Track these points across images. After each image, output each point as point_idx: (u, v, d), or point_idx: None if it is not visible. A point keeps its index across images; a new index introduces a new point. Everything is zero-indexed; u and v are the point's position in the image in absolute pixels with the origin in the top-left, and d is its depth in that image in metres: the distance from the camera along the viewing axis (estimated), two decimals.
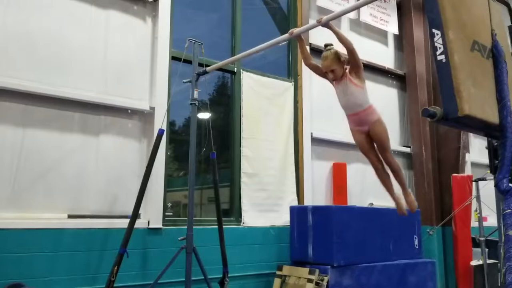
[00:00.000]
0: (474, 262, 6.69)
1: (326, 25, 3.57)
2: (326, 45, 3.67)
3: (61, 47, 4.79)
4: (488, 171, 6.36)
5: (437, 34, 2.53)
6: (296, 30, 3.85)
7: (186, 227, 4.65)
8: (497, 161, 2.87)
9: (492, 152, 3.26)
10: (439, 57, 2.52)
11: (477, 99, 2.52)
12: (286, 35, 3.93)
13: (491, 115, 2.61)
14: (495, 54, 2.76)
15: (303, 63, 6.70)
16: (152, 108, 5.25)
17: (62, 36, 4.81)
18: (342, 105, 3.68)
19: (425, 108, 2.49)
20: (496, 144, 3.13)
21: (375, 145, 3.69)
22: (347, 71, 3.55)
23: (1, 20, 4.47)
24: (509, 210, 2.47)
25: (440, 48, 2.52)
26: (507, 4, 6.86)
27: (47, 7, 4.75)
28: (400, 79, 8.23)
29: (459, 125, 2.75)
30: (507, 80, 2.70)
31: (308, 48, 6.60)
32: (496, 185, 2.60)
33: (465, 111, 2.41)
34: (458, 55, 2.50)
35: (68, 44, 4.84)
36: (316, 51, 6.70)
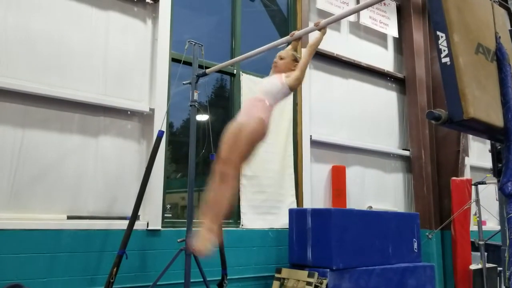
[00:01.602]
0: (473, 266, 6.67)
1: (323, 29, 3.65)
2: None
3: (61, 48, 4.78)
4: (488, 175, 6.36)
5: (442, 36, 2.52)
6: (297, 33, 3.88)
7: (185, 228, 4.64)
8: (500, 165, 2.86)
9: (496, 155, 3.25)
10: (443, 60, 2.51)
11: (482, 102, 2.51)
12: (287, 37, 3.95)
13: (496, 118, 2.60)
14: (499, 57, 2.75)
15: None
16: (152, 110, 5.24)
17: (62, 37, 4.80)
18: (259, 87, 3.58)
19: (430, 110, 2.47)
20: (499, 147, 3.12)
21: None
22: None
23: (1, 20, 4.45)
24: None
25: (444, 50, 2.51)
26: (507, 8, 6.88)
27: (47, 8, 4.74)
28: (399, 82, 8.24)
29: (463, 128, 2.73)
30: (511, 83, 2.70)
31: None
32: (500, 189, 2.59)
33: (470, 114, 2.40)
34: (462, 57, 2.49)
35: (68, 45, 4.82)
36: (316, 53, 6.70)
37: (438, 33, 2.53)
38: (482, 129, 2.64)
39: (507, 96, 2.64)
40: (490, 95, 2.62)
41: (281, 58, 3.61)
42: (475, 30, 2.66)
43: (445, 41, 2.49)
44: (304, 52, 3.63)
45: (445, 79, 2.49)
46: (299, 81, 3.48)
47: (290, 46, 3.99)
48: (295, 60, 3.60)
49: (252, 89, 6.15)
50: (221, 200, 2.95)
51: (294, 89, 3.54)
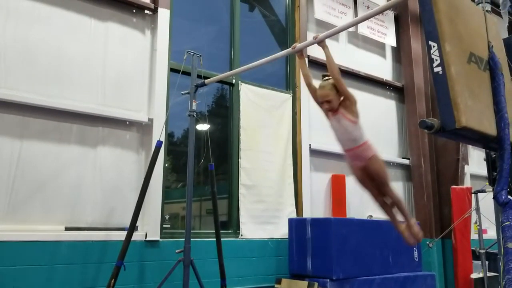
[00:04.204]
0: (474, 275, 6.65)
1: (322, 43, 3.55)
2: (323, 76, 3.52)
3: (59, 59, 4.80)
4: (487, 183, 6.34)
5: (434, 46, 2.54)
6: (298, 45, 3.84)
7: (183, 239, 4.62)
8: (495, 173, 2.86)
9: (491, 164, 3.25)
10: (436, 69, 2.52)
11: (474, 111, 2.52)
12: (288, 50, 3.93)
13: (489, 127, 2.61)
14: (491, 66, 2.76)
15: (301, 75, 6.73)
16: (150, 120, 5.25)
17: (61, 48, 4.83)
18: (337, 139, 3.57)
19: (423, 119, 2.48)
20: (494, 156, 3.12)
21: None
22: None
23: (0, 32, 4.48)
24: (508, 223, 2.46)
25: (436, 60, 2.52)
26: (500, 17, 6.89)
27: (46, 19, 4.77)
28: (398, 91, 8.24)
29: (456, 137, 2.74)
30: (504, 92, 2.71)
31: (306, 60, 6.67)
32: (494, 197, 2.59)
33: (462, 123, 2.41)
34: (454, 67, 2.50)
35: (67, 55, 4.85)
36: (314, 63, 6.73)
37: (430, 42, 2.55)
38: (475, 138, 2.64)
39: (500, 104, 2.65)
40: (483, 104, 2.63)
41: (328, 101, 3.37)
42: (467, 40, 2.68)
43: (437, 51, 2.50)
44: (333, 79, 3.37)
45: (438, 88, 2.50)
46: (355, 104, 3.36)
47: (300, 61, 3.93)
48: (335, 88, 3.36)
49: (251, 98, 6.18)
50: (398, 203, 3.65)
51: (358, 115, 3.41)
